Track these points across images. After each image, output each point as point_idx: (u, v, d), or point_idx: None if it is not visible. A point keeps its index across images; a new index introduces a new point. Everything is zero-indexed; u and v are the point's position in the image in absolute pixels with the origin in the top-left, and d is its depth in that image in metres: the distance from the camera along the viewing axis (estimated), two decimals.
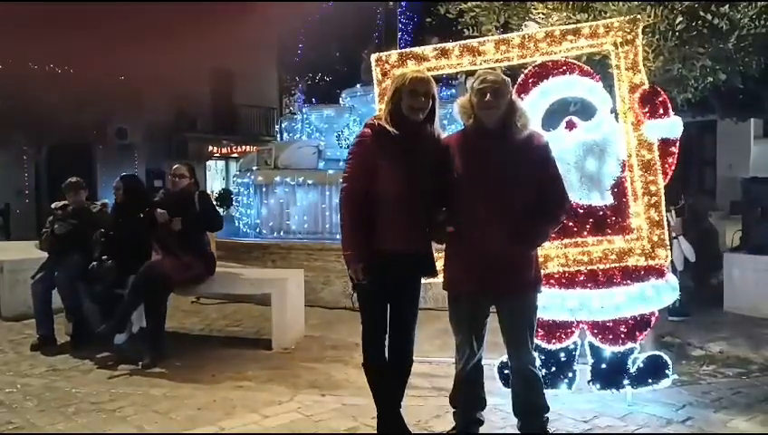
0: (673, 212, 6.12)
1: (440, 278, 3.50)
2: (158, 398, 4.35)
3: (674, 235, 6.21)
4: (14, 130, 17.14)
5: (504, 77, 3.36)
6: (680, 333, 5.74)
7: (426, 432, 3.66)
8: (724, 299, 6.77)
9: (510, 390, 3.57)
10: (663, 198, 4.06)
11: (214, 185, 25.02)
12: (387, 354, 3.42)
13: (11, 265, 6.89)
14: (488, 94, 3.26)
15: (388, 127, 3.30)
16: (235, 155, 24.38)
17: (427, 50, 4.34)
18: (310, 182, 8.93)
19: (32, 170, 19.09)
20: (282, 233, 9.01)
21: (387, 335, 3.40)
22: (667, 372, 4.04)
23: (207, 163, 24.86)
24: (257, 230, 9.39)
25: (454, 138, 3.45)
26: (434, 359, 4.64)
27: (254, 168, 9.87)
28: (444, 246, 3.46)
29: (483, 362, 3.56)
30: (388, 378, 3.44)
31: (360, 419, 3.84)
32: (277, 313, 5.60)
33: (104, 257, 5.74)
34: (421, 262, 3.42)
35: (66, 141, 18.18)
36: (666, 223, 4.07)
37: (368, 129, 3.39)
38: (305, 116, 11.39)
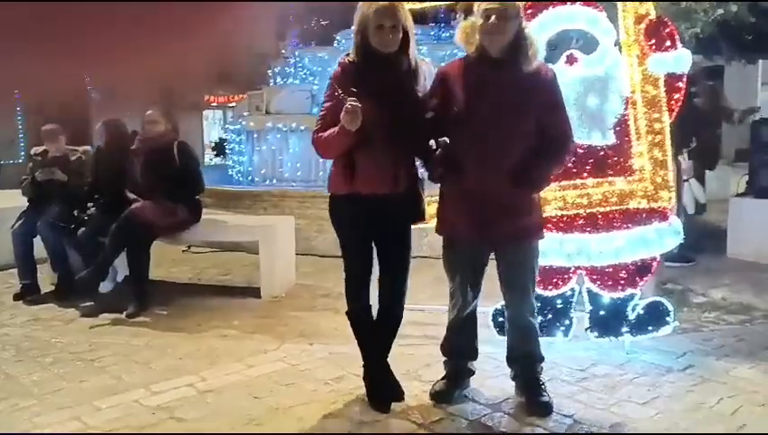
0: (685, 154, 5.88)
1: (433, 223, 3.30)
2: (139, 347, 4.21)
3: (685, 177, 5.99)
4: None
5: (515, 2, 3.01)
6: (682, 280, 5.57)
7: (416, 398, 3.47)
8: (728, 245, 6.59)
9: (504, 338, 3.41)
10: (668, 136, 3.83)
11: (211, 134, 24.70)
12: (379, 302, 3.27)
13: None
14: (492, 17, 2.94)
15: (356, 63, 3.06)
16: (233, 104, 23.96)
17: None
18: (303, 128, 8.56)
19: (24, 120, 18.76)
20: (274, 180, 8.77)
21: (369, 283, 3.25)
22: (667, 319, 3.87)
23: (204, 112, 24.50)
24: (249, 178, 9.15)
25: (453, 66, 3.15)
26: (426, 307, 4.48)
27: (245, 113, 9.57)
28: (438, 186, 3.21)
29: (477, 311, 3.39)
30: (369, 327, 3.28)
31: (347, 368, 3.69)
32: (265, 260, 5.43)
33: (88, 205, 5.59)
34: (405, 205, 3.17)
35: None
36: (674, 164, 3.86)
37: (338, 67, 3.14)
38: (298, 59, 10.99)
